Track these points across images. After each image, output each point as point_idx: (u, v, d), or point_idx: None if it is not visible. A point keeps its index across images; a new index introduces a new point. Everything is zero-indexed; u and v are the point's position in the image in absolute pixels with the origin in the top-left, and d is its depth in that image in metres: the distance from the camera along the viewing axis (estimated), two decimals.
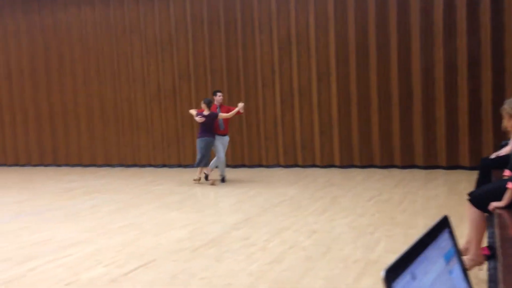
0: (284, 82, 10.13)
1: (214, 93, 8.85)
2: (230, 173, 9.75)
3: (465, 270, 0.89)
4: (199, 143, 8.49)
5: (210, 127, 8.49)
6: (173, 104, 10.99)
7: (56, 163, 12.17)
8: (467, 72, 8.75)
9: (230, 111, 8.70)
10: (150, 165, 11.33)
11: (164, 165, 11.23)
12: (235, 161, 10.63)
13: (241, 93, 10.44)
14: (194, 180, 8.72)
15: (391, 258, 4.18)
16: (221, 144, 8.67)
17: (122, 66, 11.36)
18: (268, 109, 10.29)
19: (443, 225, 0.87)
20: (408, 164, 9.35)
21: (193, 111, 8.71)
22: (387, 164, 9.51)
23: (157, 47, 11.01)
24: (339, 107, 9.77)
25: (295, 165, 10.22)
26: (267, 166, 10.39)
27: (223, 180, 8.70)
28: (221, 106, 8.77)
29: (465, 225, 3.97)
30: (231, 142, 10.32)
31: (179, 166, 11.09)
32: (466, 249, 3.59)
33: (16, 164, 12.52)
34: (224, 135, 8.76)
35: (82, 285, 3.90)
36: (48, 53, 11.95)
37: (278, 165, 10.36)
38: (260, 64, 10.26)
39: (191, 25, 10.69)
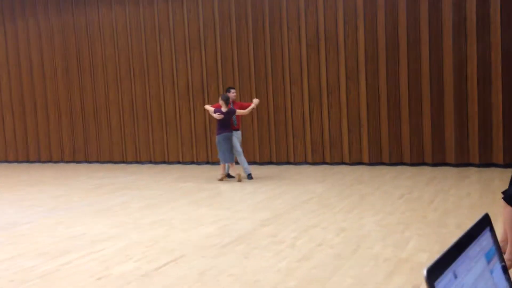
0: (312, 79, 10.09)
1: (228, 90, 8.93)
2: (258, 170, 9.78)
3: (506, 270, 0.87)
4: (220, 139, 8.56)
5: (228, 123, 8.59)
6: (202, 101, 11.08)
7: (88, 160, 12.43)
8: (501, 68, 8.54)
9: (243, 107, 8.84)
10: (179, 162, 11.46)
11: (192, 162, 11.34)
12: (263, 159, 10.65)
13: (269, 90, 10.45)
14: (219, 179, 8.77)
15: (423, 257, 4.13)
16: (237, 139, 8.81)
17: (151, 64, 11.51)
18: (296, 106, 10.27)
19: (484, 223, 0.85)
20: (439, 162, 9.18)
21: (209, 107, 8.77)
22: (418, 162, 9.37)
23: (186, 46, 11.11)
24: (368, 104, 9.67)
25: (323, 163, 10.17)
26: (295, 164, 10.38)
27: (250, 176, 8.72)
28: (233, 102, 8.90)
29: (499, 224, 3.89)
30: (259, 139, 10.43)
31: (207, 163, 11.18)
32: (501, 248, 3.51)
33: (50, 160, 12.84)
34: (238, 130, 8.93)
35: (114, 279, 3.98)
36: (81, 52, 12.20)
37: (306, 162, 10.33)
38: (288, 61, 10.24)
39: (219, 23, 10.75)
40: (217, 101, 10.81)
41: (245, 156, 9.47)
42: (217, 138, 8.62)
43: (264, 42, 10.41)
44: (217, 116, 8.50)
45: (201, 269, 4.12)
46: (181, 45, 11.16)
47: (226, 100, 8.53)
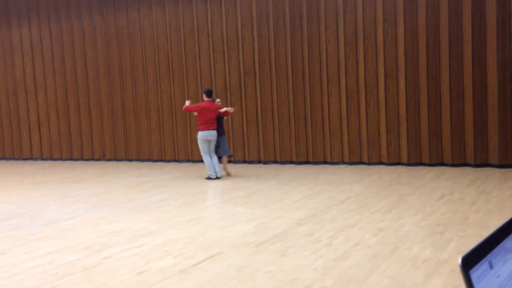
0: (350, 78, 10.00)
1: (210, 92, 8.99)
2: (294, 170, 9.78)
3: None
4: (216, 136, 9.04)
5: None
6: (239, 100, 11.16)
7: (128, 158, 12.73)
8: None
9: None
10: None
11: (229, 161, 11.43)
12: (299, 158, 10.64)
13: (306, 89, 10.42)
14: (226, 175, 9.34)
15: None
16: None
17: (190, 64, 11.67)
18: (333, 105, 10.20)
19: None
20: (481, 163, 8.93)
21: (230, 109, 9.22)
22: (459, 163, 9.14)
23: (224, 45, 11.22)
24: (407, 103, 9.51)
25: (361, 163, 10.07)
26: (332, 163, 10.31)
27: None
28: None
29: None
30: (295, 138, 10.48)
31: (244, 162, 11.25)
32: None
33: (92, 158, 13.23)
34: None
35: (153, 274, 4.07)
36: (122, 52, 12.51)
37: (343, 162, 10.25)
38: (326, 60, 10.18)
39: (256, 22, 10.80)
40: (253, 101, 10.85)
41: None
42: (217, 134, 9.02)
43: (302, 41, 10.39)
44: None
45: (238, 266, 4.16)
46: (219, 44, 11.27)
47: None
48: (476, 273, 0.71)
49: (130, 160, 12.71)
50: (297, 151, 10.63)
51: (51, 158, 13.75)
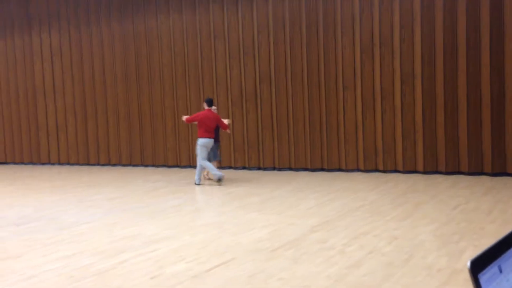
0: (365, 85, 9.96)
1: (211, 102, 9.34)
2: (309, 177, 9.75)
3: None
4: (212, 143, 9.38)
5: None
6: (254, 107, 11.19)
7: (143, 164, 12.83)
8: None
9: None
10: (230, 167, 11.61)
11: (244, 167, 11.45)
12: (314, 165, 10.61)
13: (321, 95, 10.41)
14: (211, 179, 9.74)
15: None
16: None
17: (206, 70, 11.75)
18: (349, 112, 10.17)
19: None
20: (499, 172, 8.80)
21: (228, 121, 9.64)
22: (476, 171, 9.02)
23: (240, 51, 11.27)
24: (423, 110, 9.43)
25: (376, 170, 10.00)
26: (347, 170, 10.26)
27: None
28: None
29: None
30: (310, 145, 10.48)
31: (259, 168, 11.26)
32: None
33: (108, 163, 13.37)
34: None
35: (167, 279, 4.10)
36: (139, 59, 12.65)
37: (358, 169, 10.19)
38: (342, 66, 10.16)
39: (273, 28, 10.83)
40: (268, 107, 10.87)
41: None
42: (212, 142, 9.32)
43: (318, 47, 10.39)
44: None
45: (251, 272, 4.16)
46: (235, 50, 11.33)
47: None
48: (485, 276, 0.71)
49: (146, 166, 12.81)
50: (312, 158, 10.60)
51: (68, 163, 13.93)
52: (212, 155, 9.68)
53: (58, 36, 13.70)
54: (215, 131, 9.50)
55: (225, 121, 9.46)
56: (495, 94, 8.78)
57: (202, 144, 9.12)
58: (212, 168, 9.10)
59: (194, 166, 12.10)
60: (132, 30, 12.67)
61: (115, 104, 13.11)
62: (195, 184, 9.36)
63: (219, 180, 9.16)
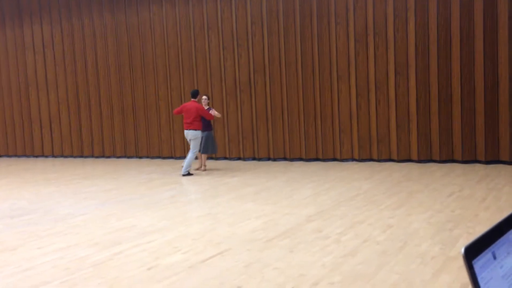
0: (360, 75, 9.96)
1: (197, 94, 9.51)
2: (304, 167, 9.78)
3: None
4: (212, 134, 9.82)
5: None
6: (249, 97, 11.17)
7: (138, 155, 12.80)
8: None
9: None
10: (225, 158, 11.61)
11: (239, 158, 11.46)
12: (309, 155, 10.63)
13: (316, 86, 10.40)
14: (203, 170, 9.86)
15: None
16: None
17: (200, 62, 11.70)
18: (343, 102, 10.17)
19: None
20: (492, 159, 8.86)
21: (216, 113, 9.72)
22: (470, 159, 9.08)
23: (234, 42, 11.23)
24: (417, 99, 9.45)
25: (370, 159, 10.03)
26: (341, 160, 10.29)
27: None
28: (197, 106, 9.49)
29: None
30: (305, 135, 10.49)
31: (254, 159, 11.27)
32: None
33: (102, 155, 13.33)
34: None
35: (163, 269, 4.11)
36: (132, 50, 12.57)
37: (352, 159, 10.22)
38: (336, 56, 10.15)
39: (266, 19, 10.79)
40: (262, 98, 10.85)
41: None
42: (209, 133, 9.70)
43: (312, 37, 10.36)
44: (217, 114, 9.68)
45: (247, 262, 4.18)
46: (229, 42, 11.28)
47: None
48: (479, 263, 0.71)
49: (140, 157, 12.79)
50: (306, 148, 10.62)
51: (62, 155, 13.88)
52: (211, 148, 9.77)
53: (49, 28, 13.58)
54: (206, 121, 9.62)
55: (214, 113, 9.57)
56: (488, 83, 8.81)
57: (185, 135, 9.51)
58: (186, 163, 9.32)
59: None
60: (124, 21, 12.57)
61: (108, 96, 13.05)
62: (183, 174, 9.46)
63: (184, 175, 9.34)
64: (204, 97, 9.91)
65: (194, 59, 11.76)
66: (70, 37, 13.36)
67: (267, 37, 10.82)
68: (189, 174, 9.39)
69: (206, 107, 9.78)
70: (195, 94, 9.44)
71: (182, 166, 9.57)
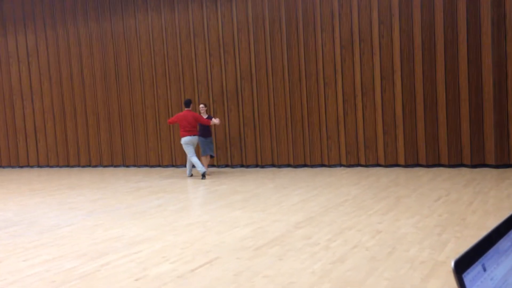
0: (346, 81, 10.02)
1: (189, 103, 10.07)
2: (292, 173, 9.78)
3: None
4: (211, 140, 10.39)
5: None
6: (236, 105, 11.16)
7: (125, 164, 12.71)
8: None
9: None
10: (214, 166, 11.57)
11: (227, 165, 11.43)
12: (297, 161, 10.64)
13: (303, 92, 10.43)
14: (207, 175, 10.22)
15: None
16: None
17: (186, 69, 11.68)
18: (330, 108, 10.21)
19: None
20: (478, 163, 8.95)
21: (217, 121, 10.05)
22: (456, 163, 9.16)
23: (220, 50, 11.23)
24: (403, 105, 9.53)
25: (358, 165, 10.07)
26: (329, 166, 10.31)
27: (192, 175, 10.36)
28: (194, 115, 9.99)
29: None
30: (292, 141, 10.50)
31: (242, 166, 11.25)
32: None
33: (89, 165, 13.21)
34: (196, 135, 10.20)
35: (151, 280, 4.06)
36: (118, 58, 12.51)
37: (340, 164, 10.25)
38: (322, 63, 10.20)
39: (252, 26, 10.81)
40: (250, 105, 10.87)
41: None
42: (210, 138, 10.31)
43: (298, 44, 10.41)
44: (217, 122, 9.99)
45: (236, 270, 4.15)
46: (216, 49, 11.29)
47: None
48: (469, 276, 0.71)
49: (127, 166, 12.69)
50: (294, 154, 10.63)
51: (48, 165, 13.72)
52: (208, 150, 10.31)
53: (34, 37, 13.47)
54: (205, 128, 10.24)
55: (214, 120, 9.93)
56: (473, 88, 8.91)
57: (184, 142, 9.89)
58: (198, 165, 9.69)
59: (176, 166, 12.03)
60: (110, 30, 12.52)
61: (94, 105, 12.95)
62: (187, 176, 10.28)
63: (203, 176, 9.71)
64: (201, 105, 10.42)
65: (181, 66, 11.74)
66: (55, 46, 13.26)
67: (254, 44, 10.84)
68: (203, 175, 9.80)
69: (205, 116, 10.34)
70: (188, 103, 10.00)
71: (191, 175, 10.28)
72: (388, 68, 9.61)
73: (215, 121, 9.89)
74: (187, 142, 9.82)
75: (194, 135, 9.84)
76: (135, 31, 12.21)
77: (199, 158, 11.07)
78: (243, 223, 5.85)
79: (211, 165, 11.60)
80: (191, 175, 10.28)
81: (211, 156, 10.50)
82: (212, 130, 11.49)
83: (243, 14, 10.90)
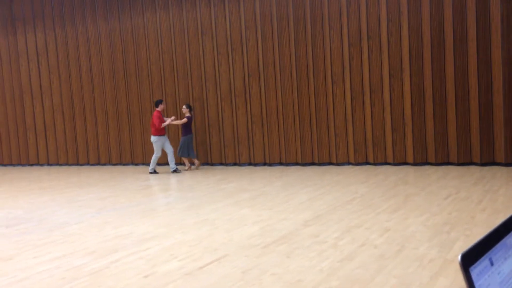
0: (354, 79, 9.98)
1: (161, 102, 10.93)
2: (300, 171, 9.77)
3: None
4: (190, 139, 10.94)
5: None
6: (244, 102, 11.17)
7: (134, 162, 12.77)
8: None
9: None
10: (221, 164, 11.59)
11: (234, 163, 11.44)
12: (304, 159, 10.63)
13: (310, 90, 10.42)
14: (185, 170, 11.02)
15: None
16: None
17: (194, 67, 11.70)
18: (338, 106, 10.19)
19: None
20: (488, 161, 8.88)
21: (175, 121, 10.85)
22: (465, 162, 9.10)
23: (228, 47, 11.24)
24: (412, 102, 9.48)
25: (366, 163, 10.04)
26: (337, 164, 10.29)
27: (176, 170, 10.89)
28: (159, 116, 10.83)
29: None
30: (300, 139, 10.49)
31: (250, 164, 11.26)
32: None
33: (98, 163, 13.28)
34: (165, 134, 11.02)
35: (160, 277, 4.08)
36: (126, 56, 12.56)
37: (348, 163, 10.23)
38: (330, 60, 10.17)
39: (260, 24, 10.81)
40: (257, 103, 10.85)
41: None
42: (187, 138, 10.85)
43: (306, 42, 10.39)
44: (182, 121, 10.81)
45: (244, 268, 4.16)
46: (223, 47, 11.29)
47: (190, 107, 11.03)
48: (476, 270, 0.71)
49: (136, 164, 12.75)
50: (302, 152, 10.62)
51: (58, 163, 13.82)
52: (180, 151, 10.96)
53: (43, 35, 13.56)
54: (185, 127, 10.88)
55: (167, 120, 10.79)
56: (482, 85, 8.85)
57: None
58: (152, 163, 10.86)
59: (184, 164, 12.06)
60: (118, 28, 12.57)
61: (103, 103, 13.02)
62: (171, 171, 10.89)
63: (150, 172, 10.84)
64: (183, 106, 11.02)
65: (189, 64, 11.76)
66: (64, 44, 13.34)
67: (261, 42, 10.83)
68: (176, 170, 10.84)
69: (186, 115, 10.94)
70: (156, 104, 10.89)
71: (174, 170, 10.86)
72: (397, 65, 9.57)
73: (168, 121, 10.74)
74: (151, 141, 10.87)
75: (154, 135, 10.70)
76: (144, 29, 12.25)
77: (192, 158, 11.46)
78: (251, 221, 5.86)
79: (219, 163, 11.61)
80: (175, 170, 10.78)
81: (188, 156, 11.02)
82: (220, 129, 11.50)
83: (251, 11, 10.90)
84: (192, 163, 11.50)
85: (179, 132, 12.08)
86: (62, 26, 13.31)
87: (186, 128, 10.91)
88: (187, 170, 11.03)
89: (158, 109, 10.80)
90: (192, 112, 11.34)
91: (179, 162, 12.04)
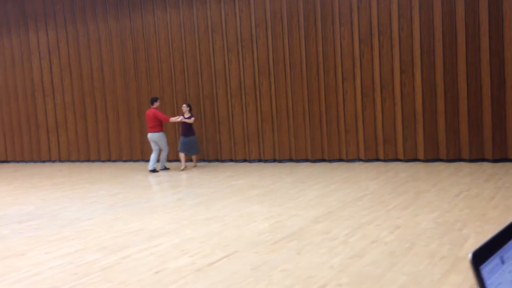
0: (365, 75, 9.93)
1: (158, 99, 10.84)
2: (310, 168, 9.76)
3: None
4: (196, 138, 10.95)
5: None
6: (254, 99, 11.16)
7: (144, 159, 12.83)
8: None
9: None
10: (231, 160, 11.61)
11: (245, 160, 11.45)
12: (315, 156, 10.60)
13: (321, 87, 10.38)
14: (181, 170, 10.72)
15: None
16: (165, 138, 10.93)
17: (204, 65, 11.72)
18: (349, 102, 10.14)
19: None
20: (500, 158, 8.80)
21: (176, 119, 10.70)
22: (477, 158, 9.02)
23: (238, 45, 11.23)
24: (423, 98, 9.41)
25: (377, 160, 10.00)
26: (347, 161, 10.26)
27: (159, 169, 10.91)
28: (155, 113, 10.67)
29: None
30: (310, 136, 10.46)
31: (260, 161, 11.26)
32: None
33: (109, 160, 13.36)
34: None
35: (170, 273, 4.11)
36: (137, 54, 12.61)
37: (358, 159, 10.18)
38: (340, 57, 10.13)
39: (270, 21, 10.79)
40: (268, 100, 10.84)
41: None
42: (194, 137, 10.83)
43: (316, 38, 10.35)
44: (192, 120, 10.72)
45: (254, 264, 4.17)
46: (233, 44, 11.29)
47: (190, 107, 10.94)
48: (487, 268, 0.70)
49: (147, 161, 12.81)
50: (312, 149, 10.60)
51: (69, 160, 13.93)
52: (182, 148, 10.74)
53: (55, 33, 13.66)
54: (185, 127, 10.74)
55: (173, 118, 10.66)
56: (495, 81, 8.75)
57: (148, 139, 10.84)
58: (151, 161, 10.68)
59: (191, 161, 12.09)
60: (129, 26, 12.62)
61: (114, 100, 13.09)
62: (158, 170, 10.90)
63: (150, 171, 10.67)
64: (183, 105, 10.85)
65: (199, 62, 11.78)
66: (75, 43, 13.42)
67: (272, 39, 10.81)
68: (165, 168, 10.93)
69: (187, 115, 10.76)
70: (152, 101, 10.77)
71: (163, 168, 10.92)
72: (408, 61, 9.50)
73: (173, 119, 10.62)
74: (149, 139, 10.73)
75: (154, 132, 10.58)
76: (154, 28, 12.28)
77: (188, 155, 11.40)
78: (261, 217, 5.87)
79: (229, 160, 11.63)
80: (164, 168, 10.89)
81: (190, 153, 10.92)
82: (230, 126, 11.52)
83: (261, 9, 10.88)
84: (190, 160, 11.53)
85: (176, 132, 12.13)
86: (73, 24, 13.39)
87: (191, 127, 10.85)
88: (182, 170, 10.68)
89: (154, 106, 10.67)
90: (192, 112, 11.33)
91: (177, 160, 12.08)
